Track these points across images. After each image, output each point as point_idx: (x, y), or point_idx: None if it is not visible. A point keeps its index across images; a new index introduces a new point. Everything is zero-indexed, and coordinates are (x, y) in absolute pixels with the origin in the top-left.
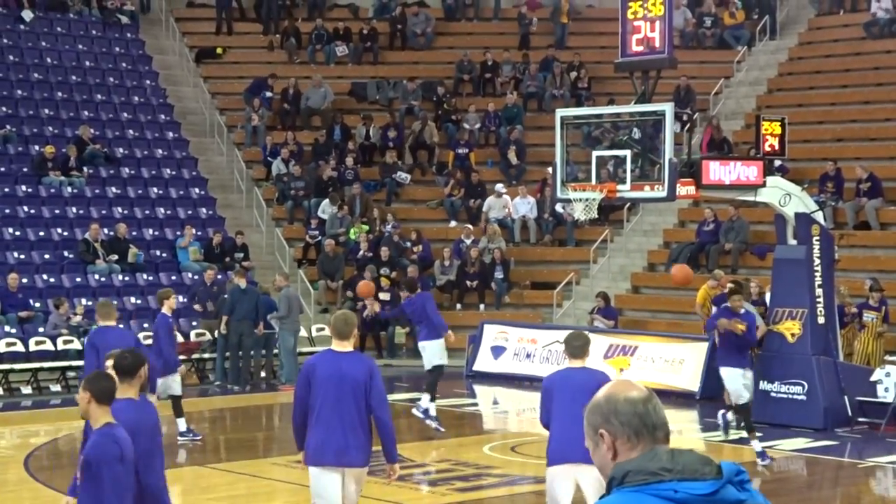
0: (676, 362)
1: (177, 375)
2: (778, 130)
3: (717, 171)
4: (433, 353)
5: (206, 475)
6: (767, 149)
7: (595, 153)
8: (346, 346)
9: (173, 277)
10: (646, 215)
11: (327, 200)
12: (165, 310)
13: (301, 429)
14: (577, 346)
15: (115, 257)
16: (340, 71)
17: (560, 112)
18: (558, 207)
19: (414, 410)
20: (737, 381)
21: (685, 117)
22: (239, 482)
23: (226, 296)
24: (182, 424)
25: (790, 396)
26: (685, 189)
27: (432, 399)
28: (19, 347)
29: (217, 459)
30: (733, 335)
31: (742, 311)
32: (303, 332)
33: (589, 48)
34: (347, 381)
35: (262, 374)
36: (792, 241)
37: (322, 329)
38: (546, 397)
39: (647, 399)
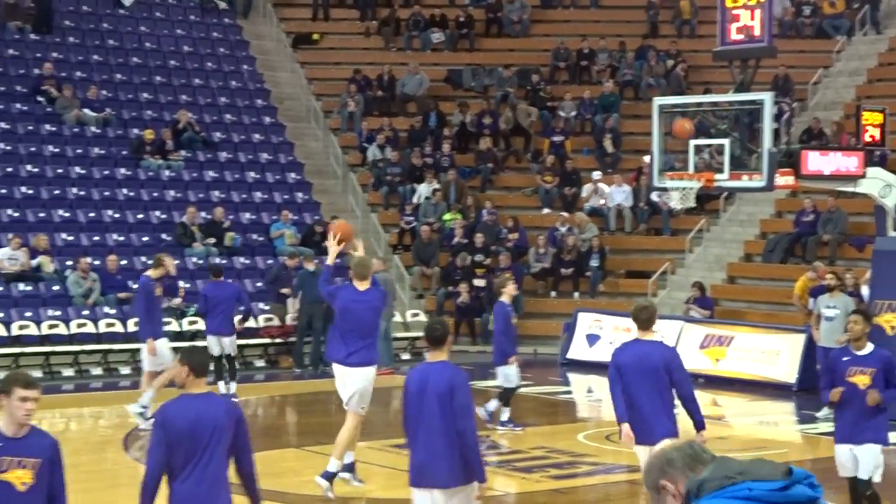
0: (773, 353)
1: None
2: (879, 120)
3: (817, 162)
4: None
5: (302, 457)
6: (868, 139)
7: (692, 142)
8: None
9: (269, 261)
10: (742, 205)
11: (423, 185)
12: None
13: None
14: (644, 319)
15: (212, 240)
16: (436, 58)
17: (658, 100)
18: (654, 196)
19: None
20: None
21: (784, 107)
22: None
23: (294, 280)
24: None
25: None
26: (783, 179)
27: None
28: (118, 328)
29: (307, 442)
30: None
31: (866, 349)
32: (398, 318)
33: (685, 37)
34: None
35: None
36: (892, 233)
37: (416, 314)
38: (614, 378)
39: (691, 443)
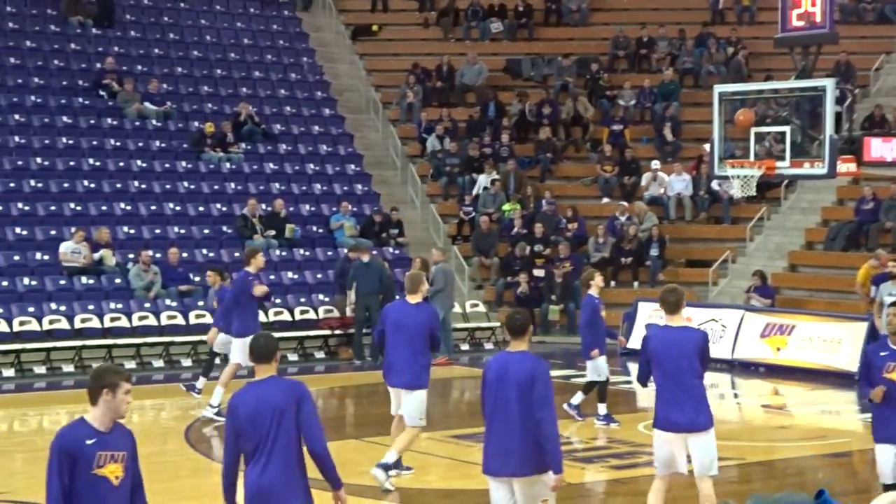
0: (834, 342)
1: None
2: None
3: (879, 149)
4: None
5: (362, 448)
6: None
7: (753, 129)
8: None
9: (329, 253)
10: (804, 193)
11: (482, 176)
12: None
13: None
14: (672, 302)
15: (273, 232)
16: (495, 48)
17: (718, 88)
18: (714, 184)
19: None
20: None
21: (846, 93)
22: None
23: (350, 272)
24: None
25: None
26: (845, 166)
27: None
28: (180, 321)
29: (367, 433)
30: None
31: None
32: (457, 308)
33: (746, 24)
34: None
35: None
36: None
37: (476, 305)
38: (644, 356)
39: None
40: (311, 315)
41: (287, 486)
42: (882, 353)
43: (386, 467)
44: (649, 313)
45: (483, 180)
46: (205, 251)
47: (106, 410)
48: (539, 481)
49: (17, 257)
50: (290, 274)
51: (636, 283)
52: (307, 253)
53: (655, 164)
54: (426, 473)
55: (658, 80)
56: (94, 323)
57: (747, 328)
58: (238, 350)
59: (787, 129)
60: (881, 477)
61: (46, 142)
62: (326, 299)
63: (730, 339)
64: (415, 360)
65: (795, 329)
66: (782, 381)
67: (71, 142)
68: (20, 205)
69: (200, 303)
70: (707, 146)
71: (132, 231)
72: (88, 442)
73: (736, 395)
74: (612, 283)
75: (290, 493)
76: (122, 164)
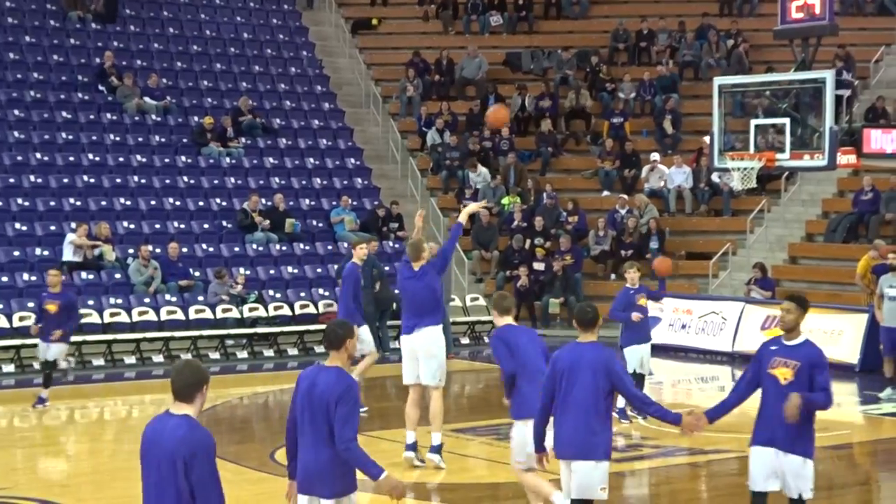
0: (835, 334)
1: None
2: None
3: (879, 140)
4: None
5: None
6: None
7: (753, 121)
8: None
9: (329, 247)
10: (804, 185)
11: (472, 174)
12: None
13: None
14: (586, 320)
15: (268, 224)
16: (495, 41)
17: (718, 80)
18: (714, 177)
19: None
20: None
21: (846, 85)
22: (395, 451)
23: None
24: None
25: None
26: (846, 158)
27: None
28: (179, 316)
29: (370, 427)
30: None
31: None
32: (457, 302)
33: (746, 16)
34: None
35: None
36: None
37: (476, 299)
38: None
39: None
40: (311, 309)
41: (325, 472)
42: (772, 348)
43: (437, 449)
44: (649, 306)
45: (474, 178)
46: (205, 246)
47: (201, 406)
48: (601, 467)
49: (16, 253)
50: (290, 268)
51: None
52: (307, 247)
53: (655, 156)
54: (427, 467)
55: (658, 72)
56: (94, 318)
57: (748, 320)
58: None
59: (786, 121)
60: (750, 483)
61: (46, 137)
62: (327, 294)
63: (730, 332)
64: (426, 323)
65: None
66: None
67: (71, 137)
68: (20, 200)
69: (200, 297)
70: (707, 138)
71: (132, 226)
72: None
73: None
74: (613, 276)
75: (326, 476)
76: (121, 159)
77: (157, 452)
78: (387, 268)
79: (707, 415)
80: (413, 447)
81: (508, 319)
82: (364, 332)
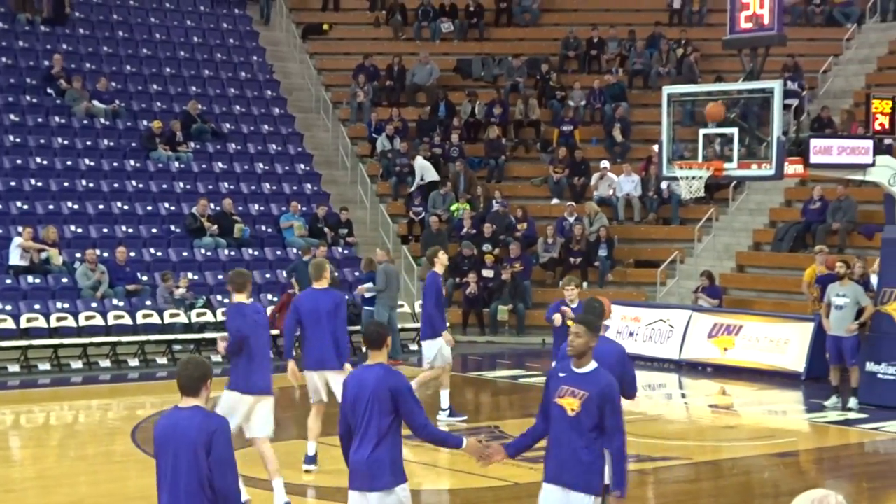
0: (781, 342)
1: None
2: (888, 109)
3: (826, 150)
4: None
5: (323, 449)
6: (878, 127)
7: (702, 131)
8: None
9: (278, 252)
10: (752, 194)
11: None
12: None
13: None
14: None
15: (216, 229)
16: (446, 47)
17: (667, 89)
18: (662, 184)
19: None
20: None
21: (794, 95)
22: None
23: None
24: (445, 400)
25: None
26: (793, 167)
27: None
28: (127, 320)
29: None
30: None
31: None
32: (406, 309)
33: (695, 25)
34: None
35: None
36: None
37: None
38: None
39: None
40: None
41: (380, 467)
42: (561, 375)
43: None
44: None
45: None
46: (153, 250)
47: (207, 398)
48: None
49: None
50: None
51: (585, 284)
52: (256, 252)
53: (605, 164)
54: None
55: (608, 80)
56: (41, 322)
57: (695, 328)
58: (433, 350)
59: (734, 130)
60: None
61: None
62: (275, 299)
63: (677, 340)
64: (334, 343)
65: (743, 329)
66: (730, 381)
67: (18, 140)
68: None
69: (148, 302)
70: (656, 147)
71: (79, 230)
72: None
73: (683, 396)
74: (561, 284)
75: (375, 470)
76: (69, 162)
77: (175, 444)
78: (336, 273)
79: (507, 449)
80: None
81: (242, 297)
82: (445, 345)
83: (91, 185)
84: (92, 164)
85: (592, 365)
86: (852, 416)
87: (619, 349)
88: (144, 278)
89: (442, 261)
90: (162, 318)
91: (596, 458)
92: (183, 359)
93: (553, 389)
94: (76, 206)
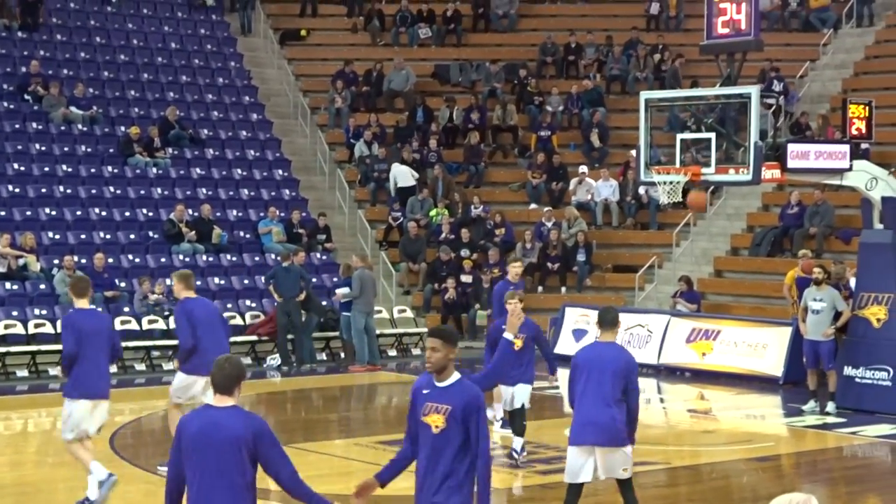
0: (760, 347)
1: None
2: (865, 114)
3: (803, 155)
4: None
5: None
6: (854, 132)
7: (679, 136)
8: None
9: (256, 258)
10: (729, 199)
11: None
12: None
13: None
14: (608, 319)
15: (194, 234)
16: (423, 53)
17: (644, 94)
18: (640, 189)
19: None
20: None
21: (771, 100)
22: (321, 462)
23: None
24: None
25: (875, 382)
26: (770, 172)
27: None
28: None
29: (294, 440)
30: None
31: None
32: (384, 314)
33: (672, 31)
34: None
35: (323, 355)
36: (878, 226)
37: (403, 311)
38: (573, 375)
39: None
40: (238, 321)
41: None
42: (424, 391)
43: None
44: (576, 318)
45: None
46: (131, 256)
47: (238, 397)
48: (619, 452)
49: None
50: (216, 280)
51: (564, 289)
52: (234, 258)
53: (583, 169)
54: (350, 479)
55: (585, 86)
56: (18, 329)
57: (673, 333)
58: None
59: (711, 136)
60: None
61: None
62: (253, 305)
63: (656, 344)
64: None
65: (721, 334)
66: (708, 386)
67: None
68: None
69: (126, 308)
70: (633, 152)
71: (57, 236)
72: None
73: (662, 400)
74: (540, 289)
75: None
76: (47, 168)
77: (214, 442)
78: (315, 279)
79: (378, 478)
80: None
81: (191, 293)
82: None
83: (69, 191)
84: (69, 170)
85: (455, 377)
86: (830, 420)
87: (627, 357)
88: (123, 284)
89: (514, 270)
90: (140, 324)
91: (466, 476)
92: (220, 358)
93: (419, 407)
94: (54, 213)
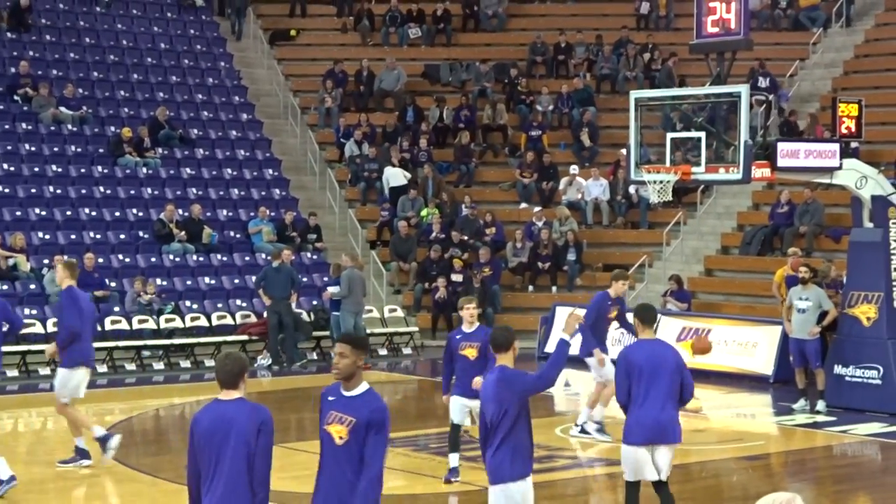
0: (750, 345)
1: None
2: (855, 112)
3: (793, 154)
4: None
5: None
6: (844, 131)
7: (669, 135)
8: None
9: (247, 258)
10: (720, 198)
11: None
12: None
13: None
14: (649, 317)
15: (185, 234)
16: (413, 53)
17: (634, 94)
18: (631, 189)
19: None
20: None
21: (761, 97)
22: (311, 462)
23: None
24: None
25: (865, 381)
26: (760, 171)
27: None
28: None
29: (285, 439)
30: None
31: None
32: (375, 314)
33: (662, 30)
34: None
35: (314, 355)
36: (868, 224)
37: (394, 310)
38: (622, 373)
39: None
40: (229, 320)
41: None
42: (330, 399)
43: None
44: None
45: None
46: (121, 256)
47: (244, 390)
48: (673, 450)
49: None
50: (207, 279)
51: (554, 288)
52: (224, 258)
53: (573, 168)
54: None
55: (575, 85)
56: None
57: (664, 332)
58: (594, 369)
59: (701, 135)
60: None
61: None
62: (244, 305)
63: None
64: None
65: (711, 333)
66: (698, 385)
67: None
68: None
69: (116, 308)
70: (624, 151)
71: (47, 236)
72: None
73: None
74: (531, 288)
75: None
76: (36, 169)
77: (225, 434)
78: (305, 279)
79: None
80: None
81: (73, 283)
82: (608, 361)
83: (59, 191)
84: (59, 170)
85: (363, 387)
86: (820, 418)
87: (677, 353)
88: (113, 284)
89: (617, 287)
90: (130, 323)
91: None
92: (221, 354)
93: (323, 415)
94: (44, 213)
